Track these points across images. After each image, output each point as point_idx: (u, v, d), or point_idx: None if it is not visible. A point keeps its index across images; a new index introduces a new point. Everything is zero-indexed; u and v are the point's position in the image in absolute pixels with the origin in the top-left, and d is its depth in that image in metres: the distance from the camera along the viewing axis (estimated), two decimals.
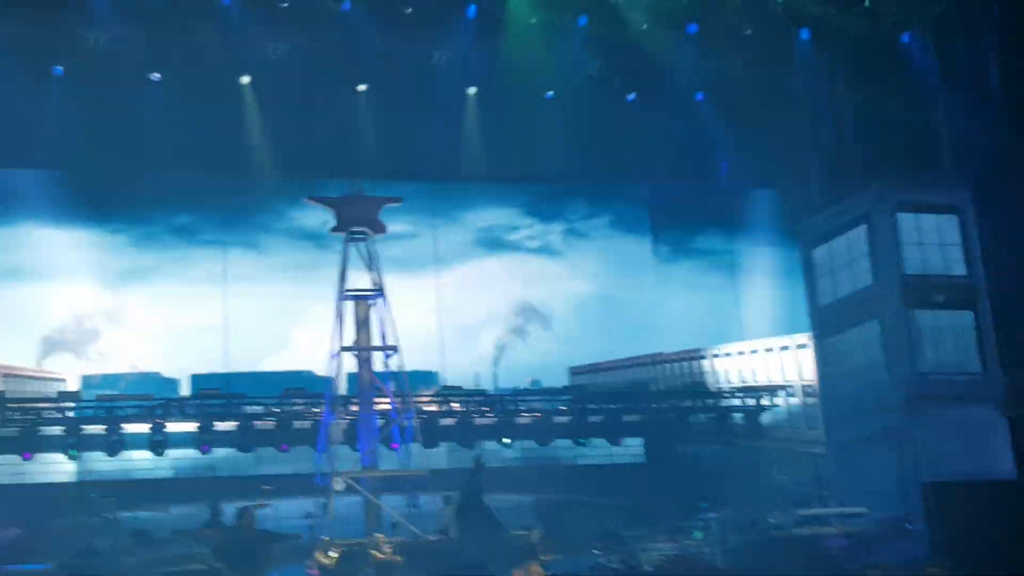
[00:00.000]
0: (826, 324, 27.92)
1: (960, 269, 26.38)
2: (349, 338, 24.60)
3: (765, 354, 29.71)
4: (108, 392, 27.34)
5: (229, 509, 21.67)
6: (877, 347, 26.34)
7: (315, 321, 26.51)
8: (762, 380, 29.21)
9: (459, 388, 27.25)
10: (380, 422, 24.88)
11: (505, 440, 26.51)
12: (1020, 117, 25.99)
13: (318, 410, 25.17)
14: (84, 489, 25.33)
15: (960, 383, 25.67)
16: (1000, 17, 26.77)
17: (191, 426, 25.32)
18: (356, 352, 24.61)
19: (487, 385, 30.82)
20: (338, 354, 24.35)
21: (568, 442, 27.19)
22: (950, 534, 22.38)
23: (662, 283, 33.20)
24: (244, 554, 18.58)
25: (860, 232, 26.92)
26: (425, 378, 29.48)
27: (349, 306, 24.69)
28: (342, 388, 25.32)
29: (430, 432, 25.21)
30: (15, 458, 25.55)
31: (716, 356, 30.62)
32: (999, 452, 25.20)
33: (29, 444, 25.02)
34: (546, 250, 32.87)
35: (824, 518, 23.45)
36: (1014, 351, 26.03)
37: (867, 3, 27.01)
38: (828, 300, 27.88)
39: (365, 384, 24.76)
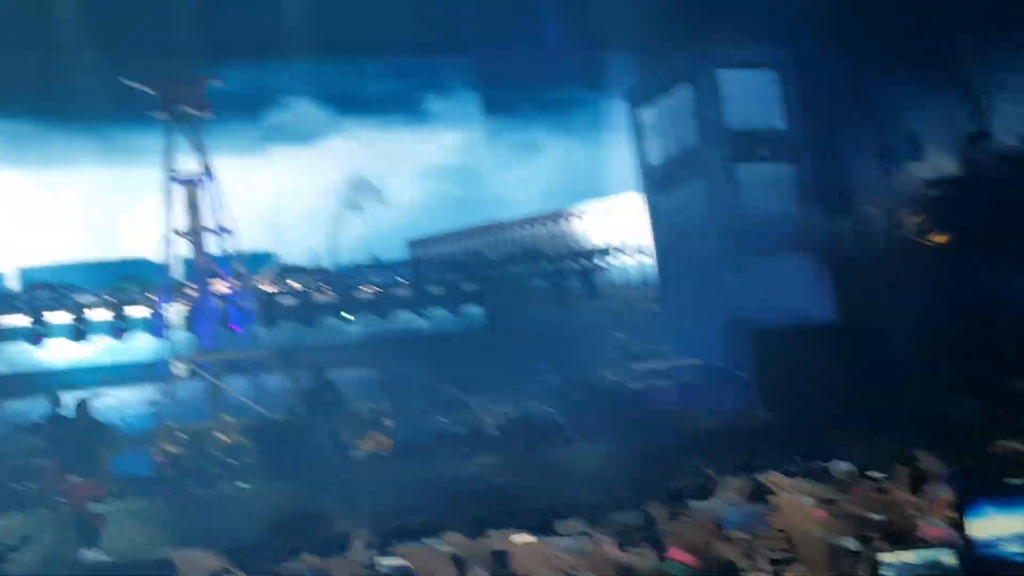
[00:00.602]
0: (656, 183, 28.48)
1: (782, 123, 27.12)
2: (181, 222, 24.23)
3: (599, 216, 30.25)
4: None
5: (69, 401, 21.41)
6: (704, 203, 27.04)
7: (145, 207, 25.90)
8: (597, 242, 29.81)
9: (297, 267, 27.13)
10: (219, 305, 24.73)
11: (346, 316, 26.59)
12: None
13: (154, 296, 24.88)
14: None
15: (784, 234, 26.60)
16: None
17: (22, 320, 24.73)
18: (189, 236, 24.29)
19: (325, 262, 30.73)
20: (170, 239, 24.03)
21: (410, 314, 27.42)
22: (774, 379, 23.45)
23: (499, 149, 33.22)
24: (84, 445, 18.46)
25: (685, 90, 27.36)
26: (262, 259, 29.23)
27: (179, 189, 24.27)
28: (177, 273, 25.01)
29: (270, 312, 25.17)
30: None
31: (551, 220, 31.06)
32: (822, 298, 26.34)
33: None
34: (382, 122, 32.46)
35: (658, 371, 24.31)
36: (834, 200, 27.00)
37: None
38: (657, 159, 28.40)
39: (200, 268, 24.52)
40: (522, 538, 4.57)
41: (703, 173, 26.90)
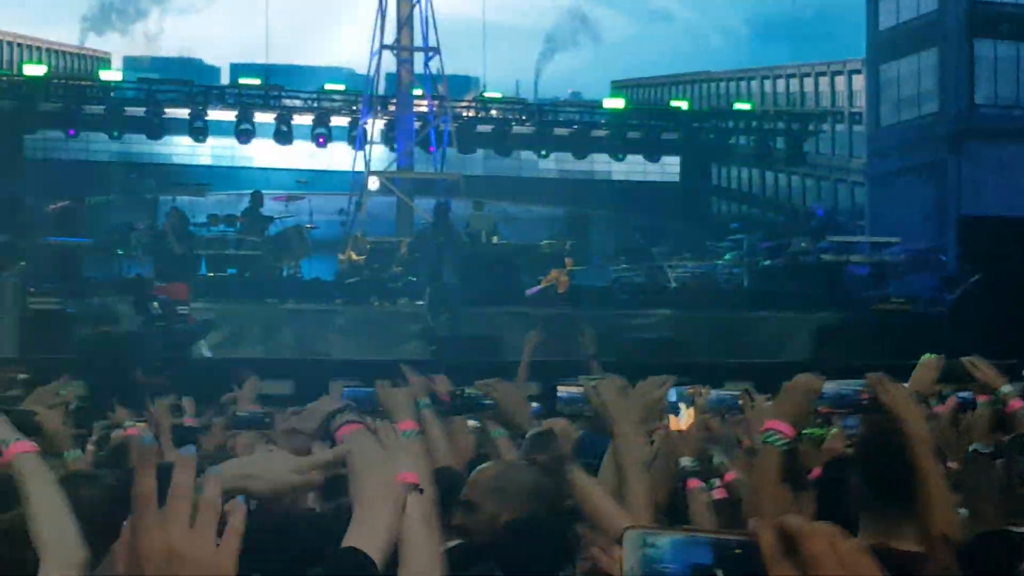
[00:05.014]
0: (883, 49, 26.99)
1: None
2: (390, 37, 24.18)
3: (815, 77, 28.92)
4: (150, 75, 27.21)
5: (267, 200, 21.87)
6: (933, 76, 25.55)
7: (357, 17, 25.96)
8: (810, 105, 28.56)
9: (499, 95, 26.80)
10: (417, 124, 24.75)
11: (542, 152, 26.24)
12: None
13: (356, 108, 25.05)
14: (124, 169, 25.69)
15: (1013, 118, 25.03)
16: None
17: (230, 115, 25.27)
18: (397, 52, 24.24)
19: (527, 94, 30.43)
20: (379, 52, 24.01)
21: (605, 156, 26.85)
22: (980, 270, 22.12)
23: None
24: (275, 246, 18.96)
25: None
26: (465, 83, 29.13)
27: (392, 3, 24.15)
28: (381, 88, 25.08)
29: (466, 138, 25.03)
30: (60, 134, 25.93)
31: (765, 77, 29.82)
32: None
33: (73, 120, 25.17)
34: None
35: (854, 246, 23.30)
36: None
37: None
38: (888, 23, 26.85)
39: (404, 85, 24.48)
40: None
41: (937, 43, 25.31)
